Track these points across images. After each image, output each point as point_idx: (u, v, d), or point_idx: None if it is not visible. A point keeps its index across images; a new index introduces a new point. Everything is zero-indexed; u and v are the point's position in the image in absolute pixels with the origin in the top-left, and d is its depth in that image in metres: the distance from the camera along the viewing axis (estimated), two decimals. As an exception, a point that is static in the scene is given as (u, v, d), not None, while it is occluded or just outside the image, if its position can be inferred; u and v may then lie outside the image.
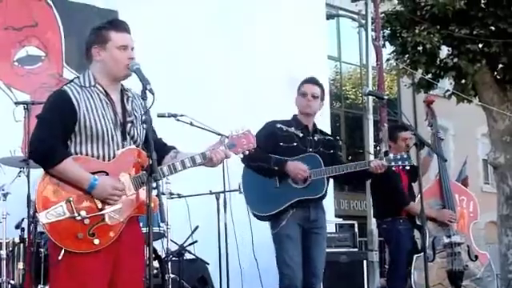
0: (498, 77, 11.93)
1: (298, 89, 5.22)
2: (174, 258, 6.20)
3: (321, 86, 5.26)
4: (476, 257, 6.06)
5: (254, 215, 5.15)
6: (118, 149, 3.41)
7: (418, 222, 5.97)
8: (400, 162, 5.00)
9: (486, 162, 16.14)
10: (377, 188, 6.56)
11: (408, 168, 5.17)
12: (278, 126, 5.13)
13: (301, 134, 5.12)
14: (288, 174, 4.94)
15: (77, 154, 3.35)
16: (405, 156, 5.01)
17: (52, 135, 3.30)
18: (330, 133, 6.10)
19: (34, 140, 3.38)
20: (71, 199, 3.27)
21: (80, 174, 3.29)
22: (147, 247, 3.42)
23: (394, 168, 5.26)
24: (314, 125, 5.27)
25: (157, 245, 5.97)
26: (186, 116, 5.75)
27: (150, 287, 3.39)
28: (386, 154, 6.31)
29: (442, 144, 6.44)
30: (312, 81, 5.24)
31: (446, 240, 5.98)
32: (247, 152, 3.71)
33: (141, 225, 3.62)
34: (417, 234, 6.25)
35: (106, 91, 3.44)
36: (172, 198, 6.34)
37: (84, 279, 3.26)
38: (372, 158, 5.26)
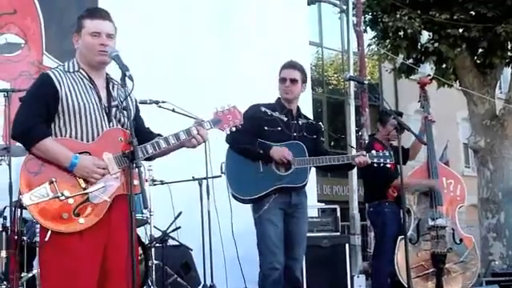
0: (478, 61, 12.00)
1: (279, 74, 5.23)
2: (157, 245, 6.21)
3: (300, 68, 5.22)
4: (461, 240, 6.12)
5: (235, 197, 5.13)
6: (102, 131, 3.44)
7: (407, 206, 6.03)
8: (382, 160, 5.10)
9: (466, 145, 16.26)
10: (365, 172, 6.62)
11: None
12: (263, 109, 5.13)
13: (285, 119, 5.14)
14: (272, 157, 4.96)
15: (61, 135, 3.39)
16: (387, 154, 5.13)
17: (34, 114, 3.36)
18: (312, 118, 6.12)
19: (16, 119, 3.43)
20: (54, 180, 3.29)
21: (61, 153, 3.32)
22: (130, 233, 3.43)
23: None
24: (298, 109, 5.27)
25: (140, 231, 5.98)
26: (168, 102, 5.76)
27: (133, 274, 3.40)
28: (372, 136, 6.37)
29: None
30: (290, 65, 5.21)
31: (431, 223, 6.04)
32: (234, 128, 3.72)
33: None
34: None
35: (89, 77, 3.50)
36: (155, 184, 6.34)
37: (71, 259, 3.28)
38: (354, 151, 5.32)
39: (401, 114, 6.34)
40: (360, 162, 5.06)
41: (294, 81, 5.15)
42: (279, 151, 4.95)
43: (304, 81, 5.23)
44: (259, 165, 5.02)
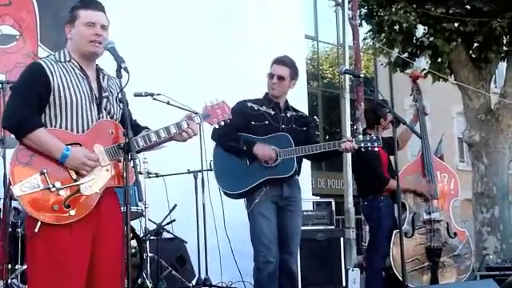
0: (474, 55, 12.00)
1: (269, 68, 5.21)
2: (152, 237, 6.21)
3: (290, 65, 5.19)
4: (455, 234, 6.15)
5: (225, 193, 5.18)
6: (92, 122, 3.43)
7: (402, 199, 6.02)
8: (369, 144, 5.02)
9: (461, 140, 16.29)
10: (357, 167, 6.60)
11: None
12: (249, 104, 5.13)
13: (272, 112, 5.14)
14: (255, 154, 4.95)
15: (51, 126, 3.37)
16: (374, 138, 5.05)
17: (26, 104, 3.33)
18: (306, 112, 6.11)
19: (8, 109, 3.41)
20: (45, 171, 3.27)
21: (53, 144, 3.30)
22: (125, 226, 3.42)
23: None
24: (286, 102, 5.26)
25: (135, 224, 5.98)
26: (163, 95, 5.75)
27: (128, 266, 3.39)
28: (364, 131, 6.36)
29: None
30: (280, 61, 5.19)
31: (426, 216, 6.06)
32: (222, 122, 3.74)
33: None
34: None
35: (80, 67, 3.48)
36: (150, 177, 6.33)
37: (61, 252, 3.27)
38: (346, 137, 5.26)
39: (386, 102, 6.33)
40: (346, 147, 4.98)
41: (281, 78, 5.14)
42: (262, 152, 4.94)
43: (293, 77, 5.20)
44: (246, 159, 5.03)
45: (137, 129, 3.63)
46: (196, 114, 3.69)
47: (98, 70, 3.58)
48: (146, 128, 3.68)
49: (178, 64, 7.63)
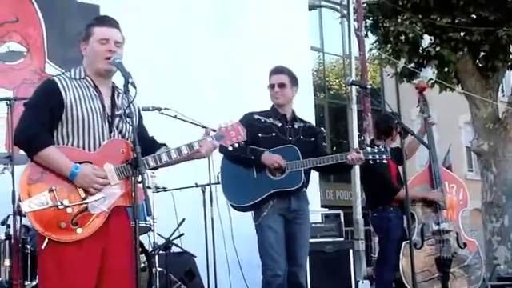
0: (480, 64, 12.00)
1: (268, 81, 5.22)
2: (160, 252, 6.19)
3: (287, 72, 5.19)
4: (464, 244, 6.10)
5: (232, 206, 5.17)
6: (104, 140, 3.43)
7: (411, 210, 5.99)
8: (377, 156, 4.95)
9: (469, 149, 16.24)
10: (366, 179, 6.57)
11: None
12: (256, 117, 5.12)
13: (279, 124, 5.12)
14: (264, 163, 4.94)
15: (63, 143, 3.38)
16: (382, 149, 4.97)
17: (38, 121, 3.34)
18: (314, 123, 6.09)
19: (20, 125, 3.41)
20: (54, 188, 3.28)
21: (62, 162, 3.31)
22: (134, 241, 3.42)
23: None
24: (293, 113, 5.26)
25: (143, 239, 5.97)
26: (170, 109, 5.75)
27: (137, 281, 3.39)
28: (372, 142, 6.34)
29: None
30: (276, 70, 5.20)
31: (435, 227, 6.01)
32: (236, 144, 3.73)
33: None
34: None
35: (95, 84, 3.48)
36: (158, 191, 6.32)
37: (68, 268, 3.27)
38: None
39: (394, 114, 6.32)
40: (353, 158, 4.92)
41: (282, 85, 5.14)
42: (270, 157, 4.94)
43: (293, 84, 5.19)
44: (253, 172, 5.01)
45: (153, 145, 3.63)
46: (206, 128, 3.68)
47: (114, 88, 3.57)
48: (164, 145, 3.67)
49: (178, 64, 7.61)
